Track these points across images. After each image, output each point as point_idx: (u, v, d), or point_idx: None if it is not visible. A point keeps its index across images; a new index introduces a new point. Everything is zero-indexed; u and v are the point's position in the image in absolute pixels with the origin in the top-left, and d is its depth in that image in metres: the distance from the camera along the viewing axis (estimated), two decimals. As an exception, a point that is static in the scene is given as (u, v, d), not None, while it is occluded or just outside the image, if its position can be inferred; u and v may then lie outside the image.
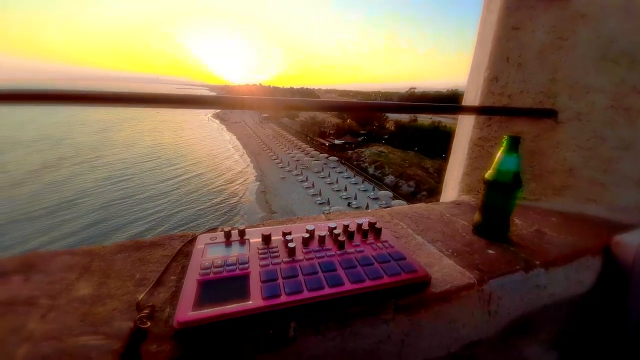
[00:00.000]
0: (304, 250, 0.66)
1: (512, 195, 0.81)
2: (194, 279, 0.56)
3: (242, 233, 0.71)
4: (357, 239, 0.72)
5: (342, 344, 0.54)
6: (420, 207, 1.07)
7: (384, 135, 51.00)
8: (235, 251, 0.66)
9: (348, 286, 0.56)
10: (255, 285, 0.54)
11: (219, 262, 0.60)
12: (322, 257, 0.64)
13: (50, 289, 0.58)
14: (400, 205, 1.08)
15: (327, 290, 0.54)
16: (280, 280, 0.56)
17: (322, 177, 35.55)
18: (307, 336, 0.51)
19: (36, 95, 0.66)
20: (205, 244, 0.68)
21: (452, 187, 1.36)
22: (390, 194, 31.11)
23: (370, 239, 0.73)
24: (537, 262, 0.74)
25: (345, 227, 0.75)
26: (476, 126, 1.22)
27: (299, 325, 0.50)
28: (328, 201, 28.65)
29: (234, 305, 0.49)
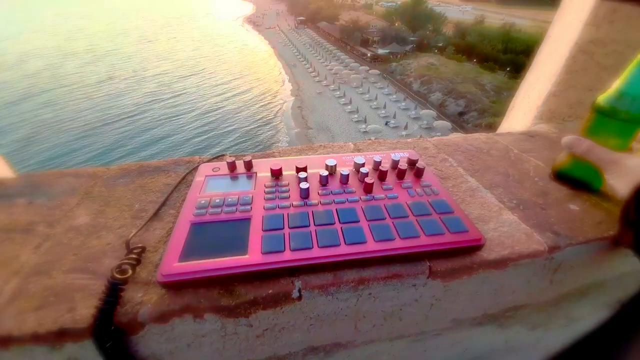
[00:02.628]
0: (320, 192, 0.53)
1: (633, 132, 0.54)
2: (187, 219, 0.47)
3: (248, 165, 0.59)
4: (390, 180, 0.56)
5: (357, 306, 0.45)
6: (477, 138, 0.83)
7: (437, 42, 43.08)
8: (239, 187, 0.55)
9: (371, 245, 0.43)
10: (255, 233, 0.45)
11: (217, 200, 0.50)
12: (342, 202, 0.51)
13: (50, 214, 0.54)
14: (453, 135, 0.85)
15: (344, 249, 0.43)
16: (285, 230, 0.45)
17: (361, 93, 33.12)
18: (315, 297, 0.42)
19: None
20: (206, 175, 0.58)
21: (526, 110, 1.04)
22: (433, 113, 28.60)
23: (408, 180, 0.56)
24: None
25: (377, 163, 0.58)
26: (592, 21, 0.82)
27: (305, 286, 0.41)
28: (365, 119, 27.44)
29: (227, 258, 0.41)
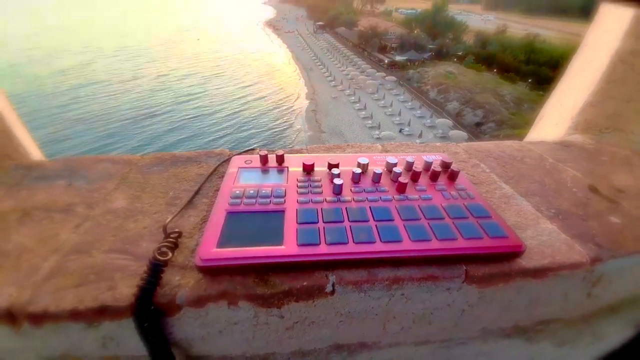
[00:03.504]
0: (352, 189, 0.53)
1: None
2: (223, 208, 0.48)
3: (280, 159, 0.59)
4: (423, 181, 0.56)
5: (388, 306, 0.44)
6: (510, 145, 0.81)
7: (457, 51, 42.54)
8: (272, 180, 0.55)
9: (407, 245, 0.43)
10: (290, 225, 0.45)
11: (251, 191, 0.51)
12: (376, 200, 0.50)
13: (88, 196, 0.57)
14: (484, 142, 0.83)
15: (379, 246, 0.42)
16: (320, 224, 0.45)
17: (376, 99, 32.99)
18: (348, 293, 0.42)
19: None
20: (239, 167, 0.58)
21: (558, 120, 1.01)
22: (449, 122, 28.15)
23: (441, 183, 0.55)
24: (694, 245, 0.50)
25: (409, 164, 0.58)
26: (633, 32, 0.79)
27: (340, 279, 0.41)
28: (379, 125, 27.27)
29: (264, 248, 0.41)
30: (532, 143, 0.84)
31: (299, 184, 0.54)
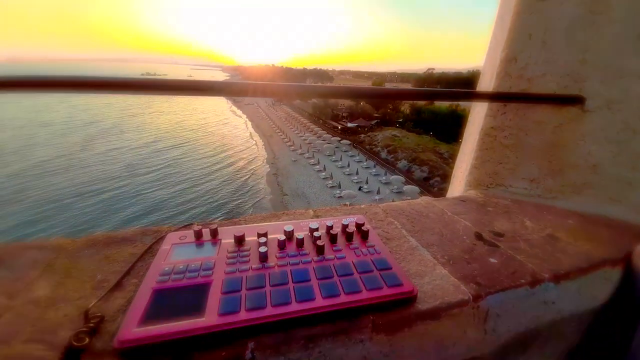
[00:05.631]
0: (278, 255, 0.59)
1: None
2: (149, 286, 0.51)
3: (214, 232, 0.65)
4: (341, 242, 0.65)
5: (309, 366, 0.48)
6: (419, 203, 0.98)
7: (398, 118, 49.54)
8: (204, 254, 0.60)
9: (319, 302, 0.49)
10: (214, 296, 0.49)
11: (181, 266, 0.55)
12: (297, 263, 0.57)
13: (11, 287, 0.54)
14: (399, 202, 1.00)
15: (294, 307, 0.48)
16: (243, 292, 0.50)
17: (334, 161, 35.34)
18: (267, 357, 0.45)
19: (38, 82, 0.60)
20: (172, 244, 0.63)
21: (460, 179, 1.25)
22: (402, 178, 30.73)
23: (355, 242, 0.65)
24: (546, 275, 0.65)
25: (329, 228, 0.68)
26: (489, 114, 1.09)
27: (258, 345, 0.45)
28: (339, 185, 28.60)
29: (185, 322, 0.44)
30: (437, 200, 1.03)
31: (228, 254, 0.59)
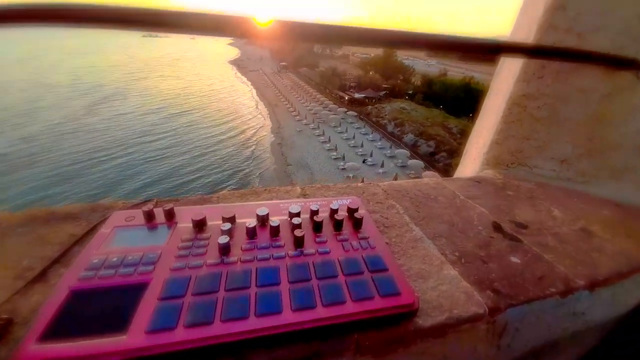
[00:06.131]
0: (243, 247, 0.47)
1: None
2: (67, 284, 0.38)
3: (169, 214, 0.52)
4: (327, 231, 0.52)
5: (272, 394, 0.37)
6: (427, 183, 0.83)
7: (408, 90, 47.45)
8: (151, 241, 0.47)
9: (288, 316, 0.37)
10: (148, 304, 0.37)
11: (115, 258, 0.43)
12: (266, 259, 0.45)
13: None
14: (404, 181, 0.85)
15: (253, 323, 0.36)
16: (187, 299, 0.37)
17: (339, 132, 34.63)
18: (214, 388, 0.34)
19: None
20: (115, 226, 0.50)
21: (475, 157, 1.09)
22: (407, 152, 30.22)
23: (345, 232, 0.52)
24: (581, 283, 0.52)
25: (313, 212, 0.54)
26: (522, 78, 0.90)
27: (200, 374, 0.33)
28: (343, 157, 28.29)
29: (99, 341, 0.32)
30: (448, 180, 0.87)
31: (180, 244, 0.46)
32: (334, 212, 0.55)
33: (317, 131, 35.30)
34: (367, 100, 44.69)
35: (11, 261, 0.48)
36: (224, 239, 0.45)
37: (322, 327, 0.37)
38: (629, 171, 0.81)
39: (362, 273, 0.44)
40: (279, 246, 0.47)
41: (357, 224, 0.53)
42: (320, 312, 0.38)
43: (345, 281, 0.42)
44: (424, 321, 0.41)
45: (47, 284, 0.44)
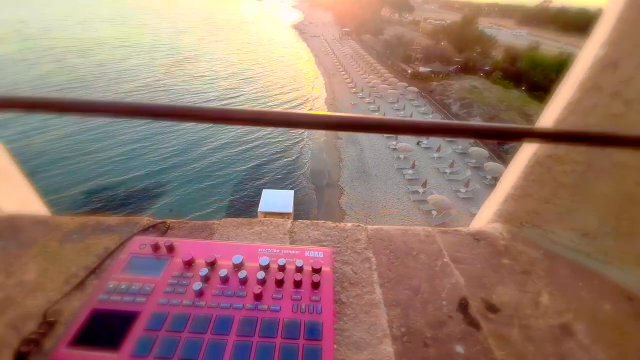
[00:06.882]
0: (214, 292, 0.58)
1: None
2: (91, 305, 0.55)
3: (170, 247, 0.66)
4: (287, 286, 0.60)
5: (210, 416, 0.50)
6: (417, 234, 0.84)
7: (484, 65, 41.37)
8: (151, 272, 0.62)
9: (224, 367, 0.48)
10: (135, 332, 0.51)
11: (123, 285, 0.58)
12: (227, 307, 0.56)
13: (10, 264, 0.66)
14: (394, 227, 0.86)
15: (197, 367, 0.48)
16: (161, 333, 0.51)
17: (396, 109, 32.72)
18: (167, 405, 0.48)
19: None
20: (130, 253, 0.66)
21: (490, 203, 1.02)
22: (469, 141, 27.32)
23: (302, 289, 0.60)
24: (520, 389, 0.52)
25: (280, 267, 0.63)
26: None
27: (158, 395, 0.47)
28: (396, 136, 26.96)
29: (102, 354, 0.48)
30: (443, 232, 0.86)
31: (170, 279, 0.60)
32: (298, 269, 0.63)
33: (372, 106, 33.86)
34: (432, 74, 40.56)
35: (65, 266, 0.68)
36: (197, 286, 0.57)
37: (249, 381, 0.47)
38: (662, 262, 0.69)
39: (297, 339, 0.52)
40: (241, 296, 0.58)
41: (315, 284, 0.61)
42: (250, 370, 0.48)
43: (280, 344, 0.51)
44: (338, 394, 0.49)
45: (84, 292, 0.62)
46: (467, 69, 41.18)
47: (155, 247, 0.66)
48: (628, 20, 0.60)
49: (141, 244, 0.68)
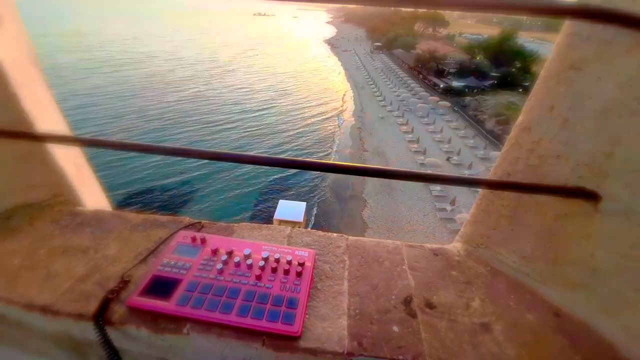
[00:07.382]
0: (230, 272, 0.87)
1: None
2: (152, 272, 0.86)
3: (203, 240, 0.96)
4: (279, 273, 0.87)
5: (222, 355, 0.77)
6: (387, 247, 1.06)
7: (524, 82, 39.44)
8: (189, 255, 0.92)
9: (232, 317, 0.75)
10: (180, 289, 0.81)
11: (172, 262, 0.89)
12: (237, 282, 0.84)
13: (98, 244, 1.00)
14: (369, 239, 1.10)
15: (217, 316, 0.75)
16: (194, 293, 0.80)
17: (426, 124, 32.13)
18: (198, 333, 0.76)
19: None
20: (177, 242, 0.97)
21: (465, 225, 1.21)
22: (503, 158, 25.83)
23: (289, 275, 0.86)
24: (432, 360, 0.73)
25: (275, 260, 0.90)
26: (493, 173, 0.99)
27: (193, 328, 0.75)
28: (425, 150, 26.44)
29: (158, 302, 0.77)
30: (409, 247, 1.08)
31: (202, 261, 0.89)
32: (288, 262, 0.89)
33: (401, 119, 33.51)
34: (466, 90, 39.37)
35: (134, 247, 1.00)
36: (219, 266, 0.86)
37: (248, 328, 0.74)
38: (581, 288, 0.86)
39: (280, 306, 0.78)
40: (247, 276, 0.85)
41: (299, 273, 0.87)
42: (248, 321, 0.75)
43: (268, 308, 0.77)
44: (304, 343, 0.74)
45: (147, 265, 0.94)
46: (504, 84, 39.48)
47: (193, 239, 0.96)
48: (537, 95, 0.81)
49: (184, 236, 0.99)
